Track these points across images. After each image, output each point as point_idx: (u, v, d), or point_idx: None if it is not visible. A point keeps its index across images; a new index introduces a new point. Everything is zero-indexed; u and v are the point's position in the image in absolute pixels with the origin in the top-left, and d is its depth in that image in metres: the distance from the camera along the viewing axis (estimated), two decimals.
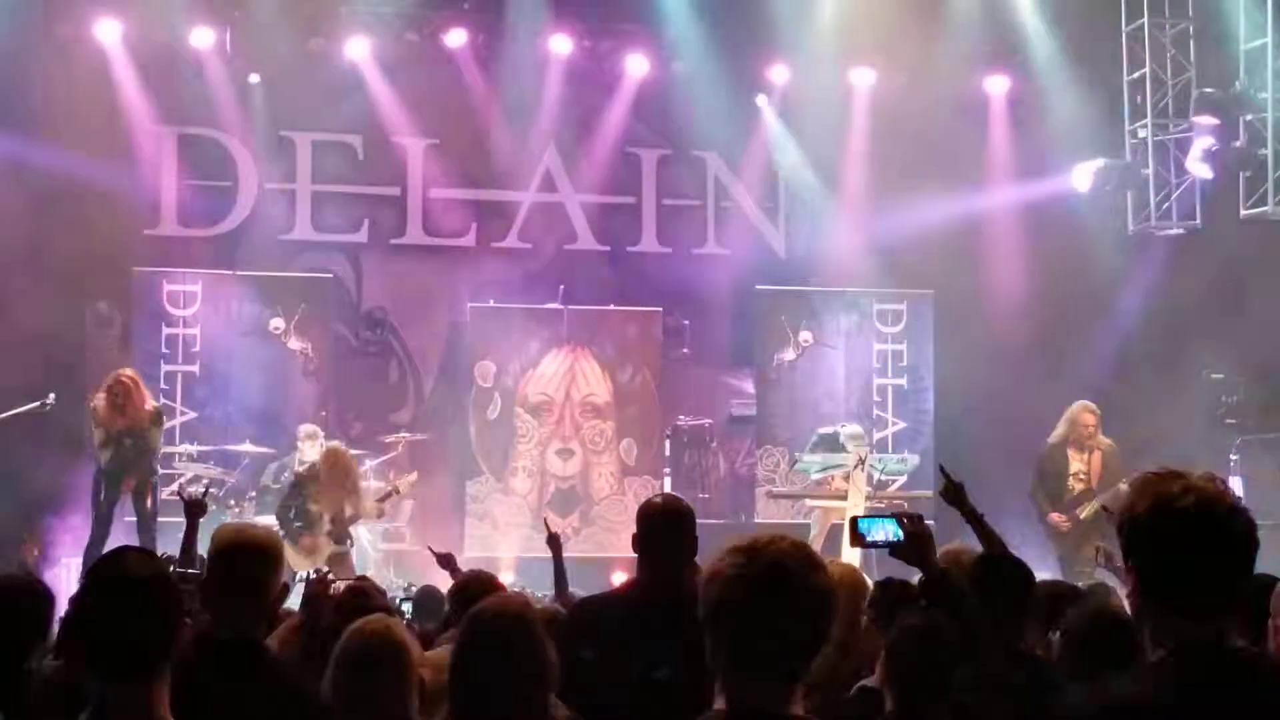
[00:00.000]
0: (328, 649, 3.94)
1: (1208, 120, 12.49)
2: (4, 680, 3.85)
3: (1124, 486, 10.15)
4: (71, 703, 3.22)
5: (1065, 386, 11.60)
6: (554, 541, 6.83)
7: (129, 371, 11.07)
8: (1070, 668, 4.14)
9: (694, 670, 2.93)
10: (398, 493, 11.07)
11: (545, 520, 7.03)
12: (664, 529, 4.75)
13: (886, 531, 3.85)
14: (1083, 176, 13.54)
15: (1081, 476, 10.92)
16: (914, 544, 3.81)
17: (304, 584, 6.01)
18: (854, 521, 3.98)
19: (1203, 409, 12.74)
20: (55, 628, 4.38)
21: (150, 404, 11.02)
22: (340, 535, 10.63)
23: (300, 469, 11.29)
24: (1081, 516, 10.67)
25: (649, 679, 4.37)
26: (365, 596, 5.12)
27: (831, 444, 12.57)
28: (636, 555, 4.82)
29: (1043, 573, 6.09)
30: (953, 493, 5.09)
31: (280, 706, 3.82)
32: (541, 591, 7.36)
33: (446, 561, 7.04)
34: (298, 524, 10.53)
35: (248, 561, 3.96)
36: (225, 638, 3.87)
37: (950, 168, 14.12)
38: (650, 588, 4.73)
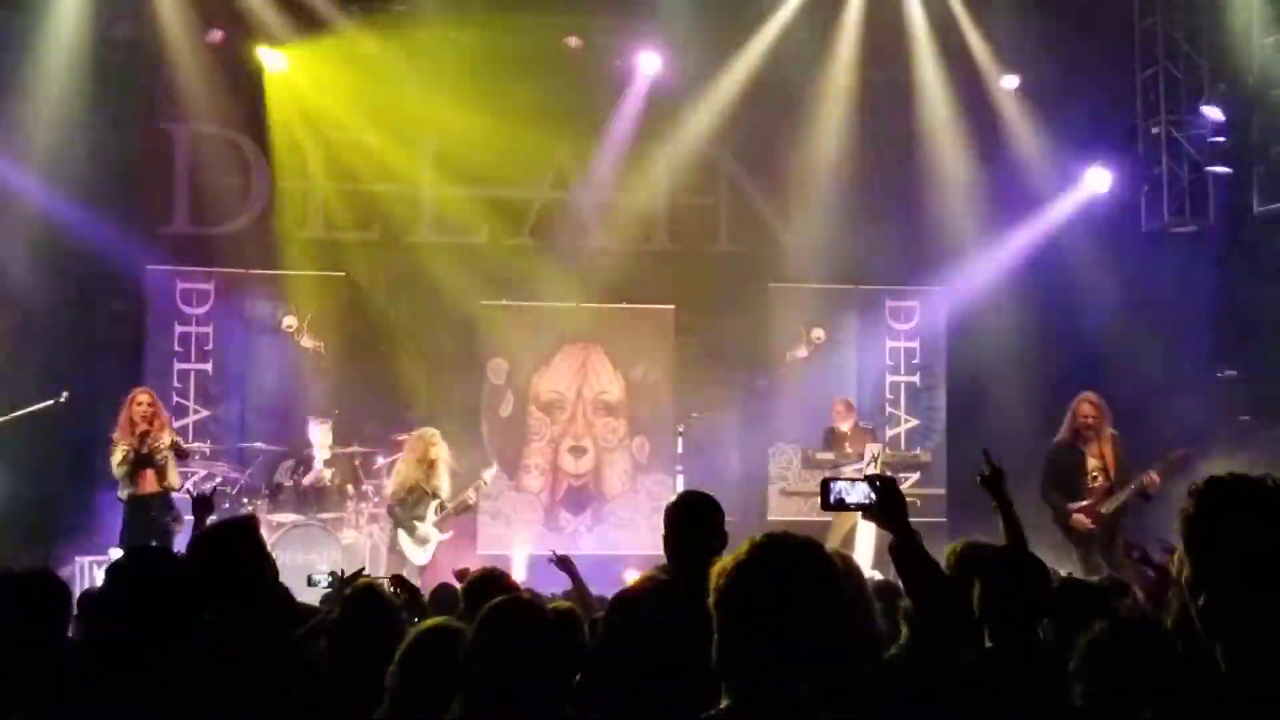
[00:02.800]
0: (354, 649, 3.97)
1: (1221, 117, 12.48)
2: (15, 678, 3.85)
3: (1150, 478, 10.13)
4: (94, 699, 3.23)
5: (1078, 384, 11.53)
6: (565, 563, 6.86)
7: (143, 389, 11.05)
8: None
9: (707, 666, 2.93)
10: (486, 483, 12.18)
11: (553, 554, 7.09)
12: (694, 522, 4.81)
13: (859, 493, 3.78)
14: (1096, 174, 13.53)
15: (1096, 472, 10.69)
16: (886, 505, 3.75)
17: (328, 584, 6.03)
18: (825, 484, 3.80)
19: (1216, 407, 12.69)
20: (70, 623, 4.38)
21: (166, 416, 10.99)
22: (444, 524, 11.60)
23: (402, 464, 11.83)
24: (1104, 511, 10.40)
25: (676, 673, 4.37)
26: (382, 598, 5.13)
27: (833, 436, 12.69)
28: (667, 553, 4.88)
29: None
30: (992, 479, 5.05)
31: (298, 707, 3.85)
32: (551, 590, 7.36)
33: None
34: (411, 517, 11.44)
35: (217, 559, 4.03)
36: (228, 639, 3.88)
37: (962, 165, 14.11)
38: (682, 582, 4.73)
